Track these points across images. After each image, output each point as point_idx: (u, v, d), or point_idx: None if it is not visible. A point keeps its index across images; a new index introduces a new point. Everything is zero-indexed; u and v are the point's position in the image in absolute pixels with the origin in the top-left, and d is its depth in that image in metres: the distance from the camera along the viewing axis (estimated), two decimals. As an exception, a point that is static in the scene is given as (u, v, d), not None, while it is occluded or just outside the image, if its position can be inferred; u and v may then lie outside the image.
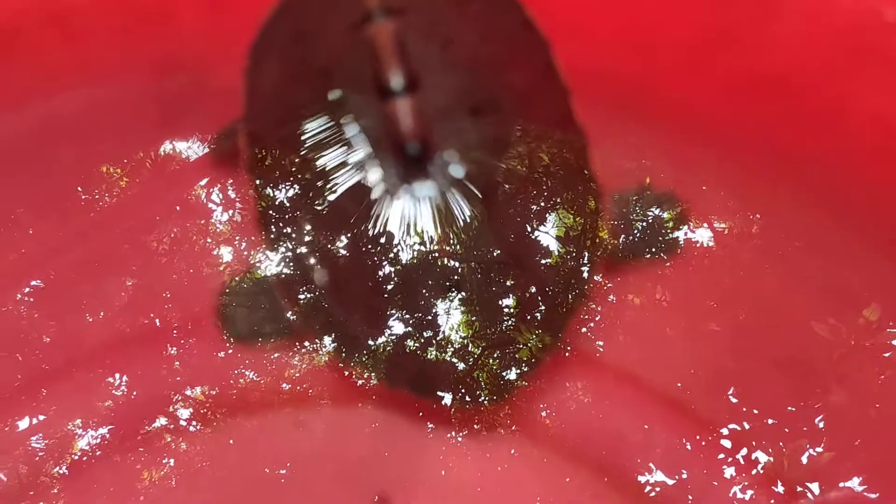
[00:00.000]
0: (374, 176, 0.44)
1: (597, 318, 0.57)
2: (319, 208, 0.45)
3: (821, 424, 0.56)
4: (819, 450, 0.55)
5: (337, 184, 0.45)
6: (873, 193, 0.50)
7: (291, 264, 0.47)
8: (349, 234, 0.46)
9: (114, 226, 0.58)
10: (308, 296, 0.48)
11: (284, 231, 0.46)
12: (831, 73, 0.47)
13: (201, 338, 0.58)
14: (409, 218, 0.45)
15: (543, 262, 0.49)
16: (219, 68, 0.48)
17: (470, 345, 0.51)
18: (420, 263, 0.47)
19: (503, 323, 0.50)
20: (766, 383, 0.57)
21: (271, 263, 0.48)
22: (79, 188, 0.57)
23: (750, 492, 0.55)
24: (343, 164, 0.45)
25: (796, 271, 0.55)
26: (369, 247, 0.47)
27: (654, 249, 0.53)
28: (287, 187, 0.45)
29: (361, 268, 0.47)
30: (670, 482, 0.56)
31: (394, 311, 0.49)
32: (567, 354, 0.56)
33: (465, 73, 0.43)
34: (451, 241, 0.46)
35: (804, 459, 0.55)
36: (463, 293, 0.49)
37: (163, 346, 0.58)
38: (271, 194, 0.46)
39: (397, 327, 0.50)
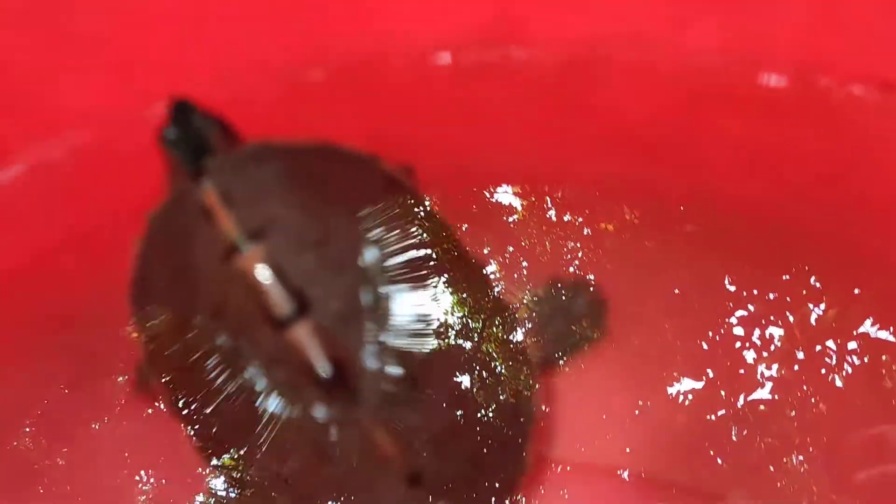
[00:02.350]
0: (296, 413, 0.40)
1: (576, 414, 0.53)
2: (252, 448, 0.43)
3: (817, 284, 0.57)
4: (822, 306, 0.57)
5: (263, 417, 0.42)
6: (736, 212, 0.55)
7: (243, 490, 0.45)
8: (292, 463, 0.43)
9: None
10: None
11: (228, 465, 0.44)
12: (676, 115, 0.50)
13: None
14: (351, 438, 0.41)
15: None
16: (110, 319, 0.46)
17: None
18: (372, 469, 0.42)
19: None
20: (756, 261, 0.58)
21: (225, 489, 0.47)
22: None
23: (775, 366, 0.57)
24: (262, 397, 0.41)
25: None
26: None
27: (580, 340, 0.50)
28: (216, 430, 0.43)
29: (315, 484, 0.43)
30: (698, 385, 0.57)
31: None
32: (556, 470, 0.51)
33: (349, 267, 0.40)
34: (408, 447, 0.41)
35: (813, 321, 0.57)
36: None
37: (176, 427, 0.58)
38: (200, 433, 0.44)
39: None
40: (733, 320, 0.58)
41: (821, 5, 0.49)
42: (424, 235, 0.41)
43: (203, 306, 0.40)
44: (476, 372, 0.41)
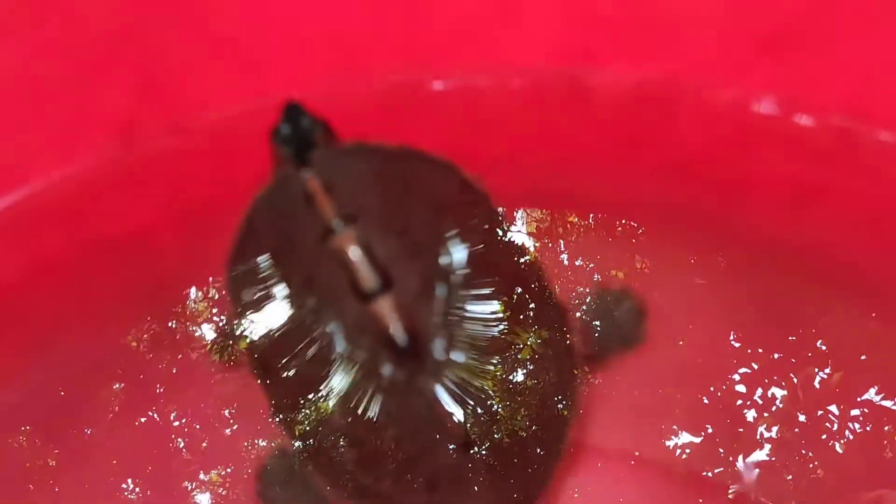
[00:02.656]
0: (372, 370, 0.45)
1: (612, 405, 0.56)
2: (326, 401, 0.47)
3: (823, 347, 0.57)
4: (828, 371, 0.56)
5: (339, 379, 0.46)
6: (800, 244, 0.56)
7: (313, 443, 0.48)
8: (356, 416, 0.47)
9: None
10: (335, 468, 0.48)
11: (300, 421, 0.47)
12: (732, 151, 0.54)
13: (203, 422, 0.58)
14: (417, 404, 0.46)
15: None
16: (205, 281, 0.53)
17: (460, 466, 0.47)
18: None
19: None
20: (765, 319, 0.57)
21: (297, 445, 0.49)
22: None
23: (775, 428, 0.56)
24: (340, 362, 0.46)
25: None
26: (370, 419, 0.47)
27: (621, 344, 0.55)
28: (295, 395, 0.47)
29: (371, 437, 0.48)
30: (697, 440, 0.56)
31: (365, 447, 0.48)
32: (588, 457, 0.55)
33: (426, 253, 0.46)
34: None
35: (817, 384, 0.56)
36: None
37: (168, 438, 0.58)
38: (279, 395, 0.47)
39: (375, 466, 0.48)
40: (736, 377, 0.57)
41: (866, 60, 0.52)
42: (493, 236, 0.47)
43: (295, 277, 0.46)
44: (528, 358, 0.47)
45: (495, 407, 0.46)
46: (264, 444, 0.58)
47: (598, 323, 0.54)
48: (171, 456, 0.58)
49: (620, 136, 0.55)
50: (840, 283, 0.57)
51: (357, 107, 0.52)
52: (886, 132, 0.52)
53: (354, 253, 0.43)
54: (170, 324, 0.60)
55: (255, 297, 0.47)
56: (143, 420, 0.58)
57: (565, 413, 0.48)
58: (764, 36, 0.52)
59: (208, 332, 0.60)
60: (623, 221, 0.57)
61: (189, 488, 0.57)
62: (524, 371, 0.47)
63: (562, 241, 0.55)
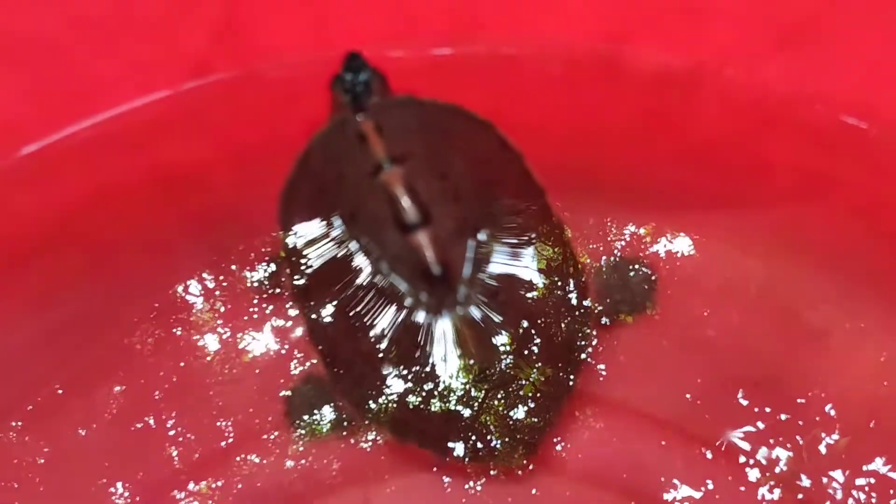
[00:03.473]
0: (406, 296, 0.52)
1: (620, 361, 0.58)
2: (357, 321, 0.52)
3: (832, 412, 0.56)
4: (835, 436, 0.55)
5: (373, 305, 0.52)
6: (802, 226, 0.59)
7: (341, 365, 0.53)
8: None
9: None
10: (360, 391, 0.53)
11: (333, 342, 0.53)
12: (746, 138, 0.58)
13: (198, 432, 0.57)
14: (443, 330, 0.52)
15: (530, 295, 0.53)
16: (254, 215, 0.56)
17: (472, 389, 0.52)
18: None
19: (501, 362, 0.53)
20: (774, 381, 0.57)
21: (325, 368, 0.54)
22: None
23: (777, 490, 0.55)
24: (377, 289, 0.52)
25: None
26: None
27: (633, 307, 0.58)
28: (328, 310, 0.52)
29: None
30: (697, 495, 0.55)
31: (390, 370, 0.52)
32: (571, 384, 0.56)
33: (463, 199, 0.52)
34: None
35: (822, 449, 0.55)
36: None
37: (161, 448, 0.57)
38: (316, 317, 0.53)
39: (396, 385, 0.53)
40: (740, 434, 0.56)
41: (876, 57, 0.56)
42: (524, 192, 0.53)
43: (344, 209, 0.52)
44: (547, 306, 0.52)
45: (511, 338, 0.52)
46: (258, 460, 0.57)
47: (610, 282, 0.57)
48: (162, 463, 0.57)
49: (644, 116, 0.58)
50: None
51: (410, 64, 0.57)
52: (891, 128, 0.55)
53: (400, 189, 0.49)
54: (174, 330, 0.59)
55: (304, 225, 0.52)
56: (138, 425, 0.57)
57: (576, 357, 0.53)
58: (782, 29, 0.56)
59: (212, 342, 0.59)
60: (640, 200, 0.59)
61: (178, 497, 0.56)
62: (543, 314, 0.53)
63: (579, 220, 0.58)
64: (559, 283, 0.53)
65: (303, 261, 0.52)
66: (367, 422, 0.54)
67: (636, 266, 0.58)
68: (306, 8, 0.58)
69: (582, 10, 0.57)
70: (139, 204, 0.59)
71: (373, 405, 0.53)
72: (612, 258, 0.58)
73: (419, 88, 0.53)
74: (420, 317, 0.52)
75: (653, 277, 0.58)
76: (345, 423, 0.56)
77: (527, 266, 0.53)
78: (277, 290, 0.59)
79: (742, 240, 0.59)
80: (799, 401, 0.56)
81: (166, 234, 0.60)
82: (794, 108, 0.56)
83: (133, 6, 0.57)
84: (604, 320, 0.57)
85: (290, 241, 0.52)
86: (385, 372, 0.52)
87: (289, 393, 0.57)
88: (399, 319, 0.52)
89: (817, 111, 0.56)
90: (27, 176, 0.57)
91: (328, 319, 0.52)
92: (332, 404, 0.56)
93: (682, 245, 0.59)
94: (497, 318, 0.52)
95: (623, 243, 0.59)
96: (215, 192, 0.59)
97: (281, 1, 0.57)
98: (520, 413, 0.53)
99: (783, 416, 0.56)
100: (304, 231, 0.53)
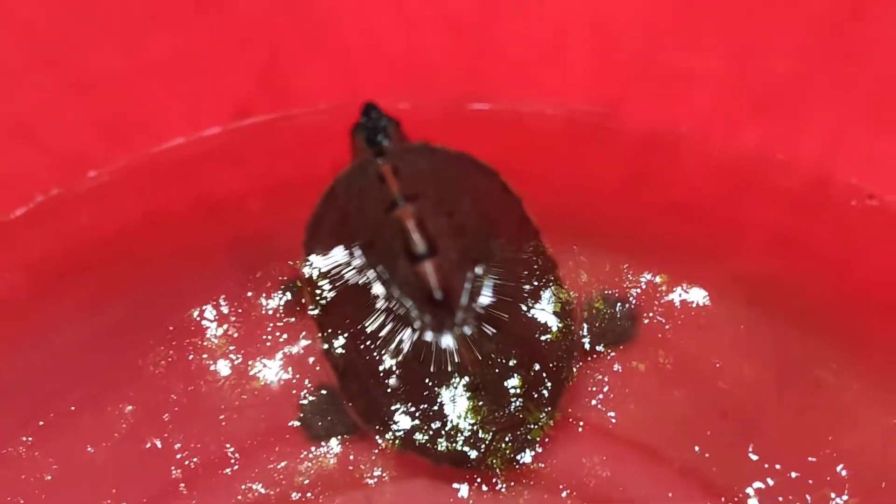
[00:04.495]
0: (413, 319, 0.57)
1: (605, 389, 0.60)
2: (370, 342, 0.57)
3: (843, 472, 0.55)
4: (845, 497, 0.55)
5: (385, 324, 0.57)
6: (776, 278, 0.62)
7: (351, 377, 0.57)
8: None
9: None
10: (369, 401, 0.57)
11: (344, 355, 0.57)
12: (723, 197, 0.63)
13: (204, 457, 0.58)
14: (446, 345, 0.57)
15: (543, 338, 0.57)
16: (282, 240, 0.61)
17: (480, 431, 0.54)
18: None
19: (511, 404, 0.55)
20: (784, 436, 0.56)
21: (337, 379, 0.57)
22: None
23: (783, 548, 0.54)
24: (387, 312, 0.57)
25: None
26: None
27: (617, 339, 0.62)
28: (343, 331, 0.57)
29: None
30: (701, 549, 0.55)
31: (398, 405, 0.56)
32: (580, 429, 0.58)
33: (466, 235, 0.58)
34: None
35: (832, 511, 0.55)
36: (467, 378, 0.56)
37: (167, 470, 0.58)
38: (332, 331, 0.57)
39: (403, 422, 0.55)
40: (750, 491, 0.56)
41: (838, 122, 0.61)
42: (522, 232, 0.59)
43: (361, 239, 0.58)
44: (537, 334, 0.57)
45: (504, 360, 0.56)
46: (263, 490, 0.57)
47: (595, 313, 0.62)
48: (168, 487, 0.57)
49: (631, 173, 0.65)
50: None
51: (427, 116, 0.63)
52: (854, 187, 0.60)
53: (411, 223, 0.55)
54: (188, 354, 0.60)
55: (326, 250, 0.58)
56: (147, 446, 0.58)
57: (562, 382, 0.57)
58: (758, 98, 0.62)
59: (223, 367, 0.60)
60: (628, 245, 0.64)
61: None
62: (533, 341, 0.57)
63: (570, 260, 0.63)
64: (549, 313, 0.58)
65: (324, 282, 0.58)
66: (377, 436, 0.57)
67: (619, 301, 0.62)
68: (337, 61, 0.64)
69: (580, 76, 0.64)
70: (181, 228, 0.63)
71: (383, 423, 0.56)
72: (600, 294, 0.62)
73: (433, 137, 0.59)
74: (426, 336, 0.56)
75: (635, 312, 0.62)
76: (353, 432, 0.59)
77: (520, 296, 0.58)
78: (292, 319, 0.62)
79: (721, 288, 0.62)
80: (810, 459, 0.56)
81: (198, 258, 0.63)
82: (766, 171, 0.62)
83: (190, 51, 0.62)
84: (589, 349, 0.61)
85: (314, 263, 0.58)
86: (393, 386, 0.56)
87: (304, 402, 0.60)
88: (406, 339, 0.57)
89: (787, 174, 0.61)
90: (91, 197, 0.62)
91: (343, 336, 0.57)
92: (341, 415, 0.59)
93: (666, 285, 0.63)
94: (490, 332, 0.57)
95: (611, 282, 0.63)
96: (249, 220, 0.65)
97: (316, 51, 0.63)
98: (527, 457, 0.55)
99: (793, 475, 0.55)
100: (327, 256, 0.58)
